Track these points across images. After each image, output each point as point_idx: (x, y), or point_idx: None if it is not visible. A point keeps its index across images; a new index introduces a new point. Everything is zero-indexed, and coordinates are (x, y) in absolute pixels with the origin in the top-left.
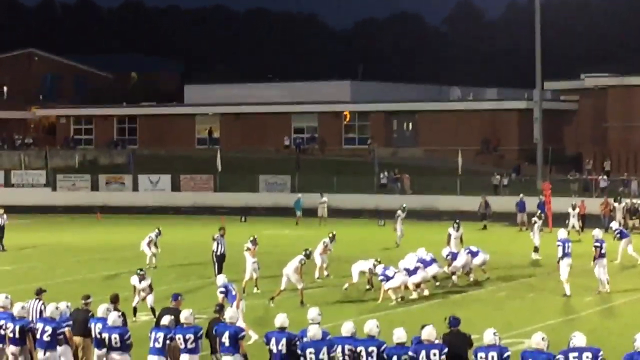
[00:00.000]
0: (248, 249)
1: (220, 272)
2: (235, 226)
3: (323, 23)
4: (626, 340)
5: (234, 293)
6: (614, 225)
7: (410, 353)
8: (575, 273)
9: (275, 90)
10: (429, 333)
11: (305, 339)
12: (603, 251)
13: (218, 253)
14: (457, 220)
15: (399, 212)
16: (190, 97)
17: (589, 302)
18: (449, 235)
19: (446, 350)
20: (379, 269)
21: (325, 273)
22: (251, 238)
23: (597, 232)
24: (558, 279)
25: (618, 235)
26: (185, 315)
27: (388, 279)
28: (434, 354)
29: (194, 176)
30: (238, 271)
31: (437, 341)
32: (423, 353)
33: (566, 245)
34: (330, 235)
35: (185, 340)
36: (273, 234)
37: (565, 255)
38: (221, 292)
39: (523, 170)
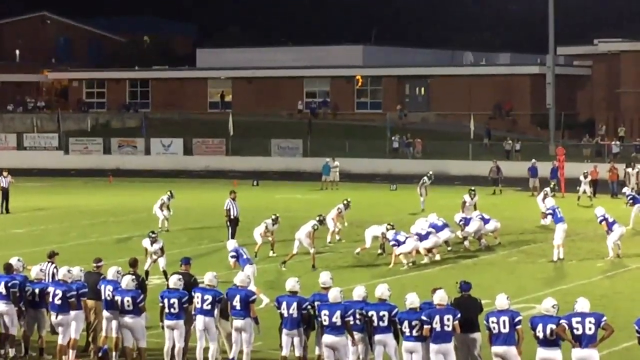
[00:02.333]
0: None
1: (233, 236)
2: (247, 190)
3: None
4: (637, 306)
5: (245, 257)
6: (627, 190)
7: (423, 317)
8: (587, 238)
9: (288, 55)
10: (441, 297)
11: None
12: (612, 222)
13: (231, 217)
14: (473, 188)
15: (425, 178)
16: (203, 61)
17: (601, 267)
18: (464, 202)
19: (459, 315)
20: (390, 234)
21: (337, 237)
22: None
23: (598, 210)
24: (570, 244)
25: (631, 201)
26: (209, 277)
27: (399, 244)
28: (448, 319)
29: (206, 140)
30: (251, 235)
31: (447, 305)
32: (437, 318)
33: (557, 211)
34: (345, 202)
35: (203, 301)
36: (285, 198)
37: (559, 220)
38: (232, 257)
39: (535, 135)
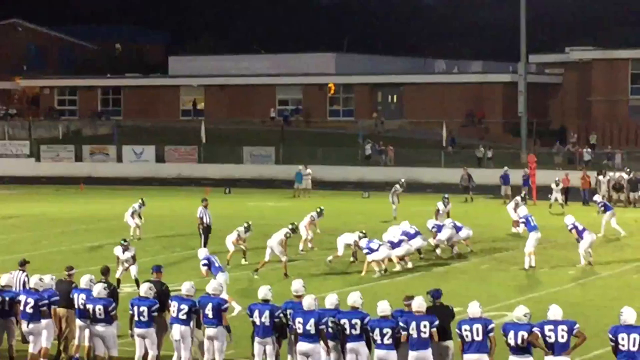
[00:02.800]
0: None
1: (206, 244)
2: (219, 198)
3: None
4: (610, 313)
5: (216, 265)
6: (597, 198)
7: (400, 324)
8: (559, 246)
9: (260, 62)
10: (420, 304)
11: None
12: (582, 229)
13: (204, 224)
14: (447, 195)
15: (397, 186)
16: (175, 69)
17: (572, 275)
18: (437, 210)
19: (437, 322)
20: (363, 242)
21: (310, 246)
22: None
23: (568, 219)
24: (541, 252)
25: (602, 209)
26: (186, 287)
27: (372, 251)
28: (424, 326)
29: (178, 147)
30: (223, 243)
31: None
32: (414, 324)
33: (530, 219)
34: (318, 209)
35: (179, 310)
36: (257, 206)
37: (532, 228)
38: (204, 265)
39: (507, 143)
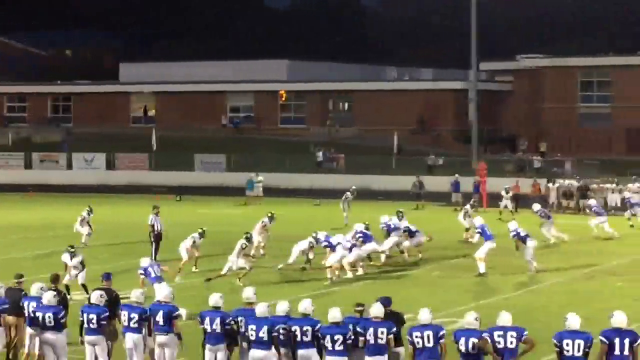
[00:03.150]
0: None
1: (157, 251)
2: (170, 205)
3: (260, 1)
4: (559, 319)
5: (153, 275)
6: (535, 207)
7: (358, 329)
8: (509, 252)
9: (212, 69)
10: (378, 310)
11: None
12: (524, 235)
13: (155, 232)
14: (401, 210)
15: (348, 194)
16: (126, 75)
17: (522, 282)
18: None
19: (394, 329)
20: (322, 235)
21: (261, 252)
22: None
23: (511, 225)
24: (492, 258)
25: (544, 217)
26: (136, 295)
27: (331, 245)
28: (382, 332)
29: (129, 155)
30: (175, 250)
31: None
32: (371, 330)
33: (486, 229)
34: (269, 214)
35: (130, 319)
36: (208, 213)
37: (489, 238)
38: (141, 274)
39: (458, 150)
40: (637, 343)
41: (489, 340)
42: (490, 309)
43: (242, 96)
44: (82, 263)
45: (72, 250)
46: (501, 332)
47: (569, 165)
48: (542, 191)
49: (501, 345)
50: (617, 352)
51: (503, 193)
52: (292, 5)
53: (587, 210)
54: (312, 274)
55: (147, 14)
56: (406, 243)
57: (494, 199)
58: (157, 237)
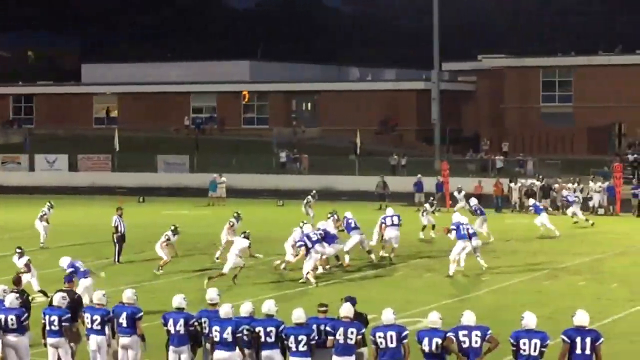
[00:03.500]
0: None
1: (120, 252)
2: (133, 206)
3: (224, 2)
4: (520, 318)
5: (82, 269)
6: (472, 201)
7: (328, 328)
8: (471, 252)
9: (174, 70)
10: (348, 310)
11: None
12: (471, 231)
13: (119, 233)
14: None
15: (309, 197)
16: (89, 76)
17: (486, 281)
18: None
19: (363, 330)
20: (307, 228)
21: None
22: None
23: (455, 216)
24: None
25: (478, 212)
26: (97, 296)
27: (305, 245)
28: (352, 332)
29: (91, 156)
30: (136, 251)
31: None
32: (341, 330)
33: (461, 227)
34: (236, 214)
35: (92, 321)
36: (172, 214)
37: (462, 237)
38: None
39: (421, 150)
40: (598, 342)
41: (454, 340)
42: (453, 309)
43: (205, 97)
44: (27, 265)
45: (20, 251)
46: (466, 332)
47: (531, 165)
48: (504, 191)
49: (466, 345)
50: (578, 351)
51: (456, 193)
52: (255, 5)
53: (529, 210)
54: (275, 276)
55: (109, 14)
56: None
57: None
58: (120, 239)
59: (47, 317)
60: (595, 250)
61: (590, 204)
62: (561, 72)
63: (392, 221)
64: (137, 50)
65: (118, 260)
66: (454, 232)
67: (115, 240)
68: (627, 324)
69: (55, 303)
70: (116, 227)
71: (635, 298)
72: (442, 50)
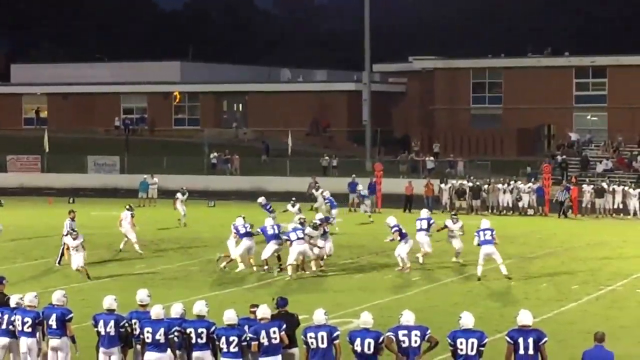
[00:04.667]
0: None
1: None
2: (63, 207)
3: (153, 3)
4: (453, 319)
5: None
6: (391, 221)
7: (250, 334)
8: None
9: (104, 70)
10: (264, 312)
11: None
12: (404, 233)
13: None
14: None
15: (179, 194)
16: (17, 77)
17: (416, 282)
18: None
19: (284, 326)
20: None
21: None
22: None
23: (391, 220)
24: (384, 259)
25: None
26: (29, 298)
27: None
28: (274, 332)
29: (20, 157)
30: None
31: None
32: (263, 332)
33: (400, 227)
34: (127, 207)
35: (24, 323)
36: (101, 215)
37: (404, 236)
38: None
39: (351, 151)
40: (542, 342)
41: (394, 340)
42: (384, 309)
43: (135, 98)
44: None
45: None
46: (405, 331)
47: (461, 166)
48: (434, 192)
49: (406, 345)
50: (521, 351)
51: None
52: (185, 6)
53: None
54: (199, 276)
55: (38, 14)
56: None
57: (389, 201)
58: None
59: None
60: (524, 250)
61: (520, 204)
62: (491, 73)
63: (421, 225)
64: (67, 50)
65: (59, 263)
66: (396, 234)
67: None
68: (556, 324)
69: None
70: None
71: (563, 298)
72: (373, 52)
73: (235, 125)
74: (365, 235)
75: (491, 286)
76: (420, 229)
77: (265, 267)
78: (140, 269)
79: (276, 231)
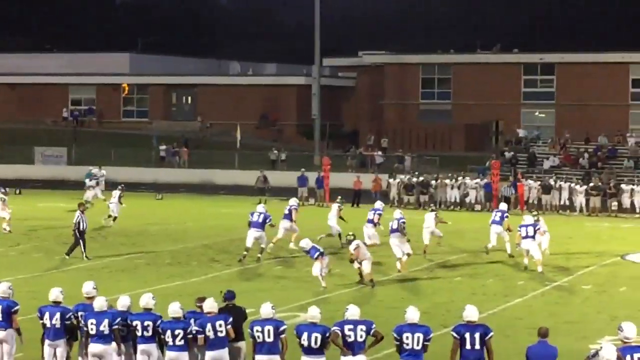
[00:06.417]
0: None
1: (85, 247)
2: (10, 199)
3: None
4: (399, 313)
5: None
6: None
7: (196, 327)
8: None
9: (53, 61)
10: (211, 305)
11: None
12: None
13: (81, 229)
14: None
15: (117, 190)
16: None
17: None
18: None
19: (230, 320)
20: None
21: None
22: None
23: (304, 243)
24: (340, 256)
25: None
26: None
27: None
28: (220, 325)
29: None
30: (11, 244)
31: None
32: (209, 326)
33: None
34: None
35: None
36: (48, 207)
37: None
38: None
39: (300, 145)
40: (488, 336)
41: (340, 334)
42: (330, 303)
43: (84, 89)
44: None
45: None
46: (351, 326)
47: (409, 161)
48: (382, 186)
49: (351, 339)
50: (468, 346)
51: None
52: None
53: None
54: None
55: None
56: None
57: (339, 195)
58: (82, 234)
59: None
60: (471, 246)
61: (467, 200)
62: (440, 69)
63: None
64: (14, 41)
65: (86, 256)
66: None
67: (78, 236)
68: (502, 319)
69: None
70: (78, 223)
71: (509, 293)
72: (323, 46)
73: (200, 119)
74: (312, 230)
75: (438, 281)
76: (370, 220)
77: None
78: (87, 261)
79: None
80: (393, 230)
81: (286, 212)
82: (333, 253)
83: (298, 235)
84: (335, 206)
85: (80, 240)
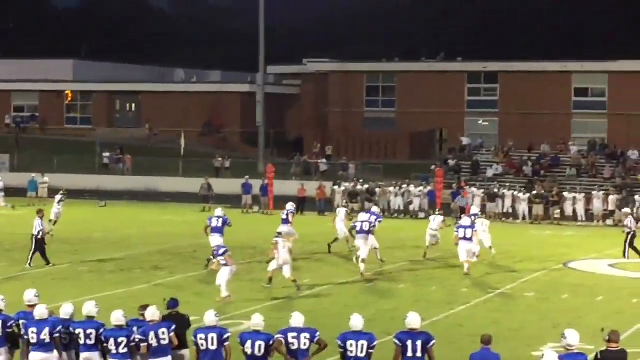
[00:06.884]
0: None
1: (44, 254)
2: None
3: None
4: (343, 321)
5: None
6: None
7: (139, 336)
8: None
9: None
10: (153, 313)
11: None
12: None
13: (39, 236)
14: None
15: (59, 196)
16: None
17: (307, 284)
18: None
19: (174, 327)
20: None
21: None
22: None
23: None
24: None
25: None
26: None
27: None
28: (163, 333)
29: None
30: None
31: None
32: (152, 334)
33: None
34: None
35: None
36: None
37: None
38: None
39: (245, 152)
40: (430, 344)
41: (283, 342)
42: (275, 310)
43: (27, 95)
44: None
45: None
46: (295, 334)
47: (353, 169)
48: (327, 194)
49: (295, 347)
50: (409, 354)
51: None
52: (79, 4)
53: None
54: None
55: None
56: None
57: (284, 203)
58: (41, 241)
59: None
60: (415, 254)
61: (411, 207)
62: (384, 77)
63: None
64: None
65: (29, 262)
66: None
67: (35, 243)
68: (446, 326)
69: None
70: (39, 231)
71: (453, 300)
72: (267, 54)
73: (148, 127)
74: (257, 238)
75: (382, 289)
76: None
77: None
78: (30, 268)
79: None
80: (361, 232)
81: (283, 216)
82: (340, 257)
83: (296, 239)
84: (342, 210)
85: (37, 247)
